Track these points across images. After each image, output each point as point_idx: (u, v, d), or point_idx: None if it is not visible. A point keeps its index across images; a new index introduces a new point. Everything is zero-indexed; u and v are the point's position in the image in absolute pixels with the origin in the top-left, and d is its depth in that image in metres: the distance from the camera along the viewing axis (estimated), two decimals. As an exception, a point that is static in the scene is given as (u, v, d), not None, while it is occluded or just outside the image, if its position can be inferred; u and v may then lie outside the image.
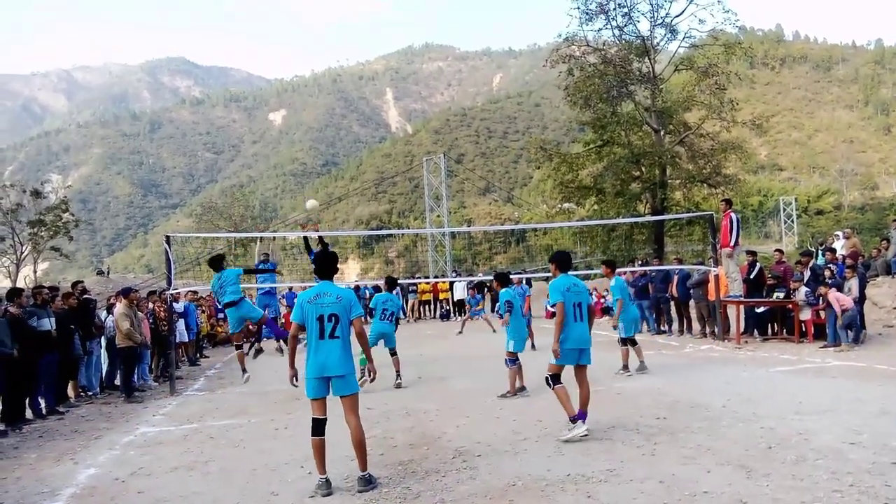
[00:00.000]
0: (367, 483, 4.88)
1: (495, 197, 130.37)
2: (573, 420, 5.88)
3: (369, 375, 5.44)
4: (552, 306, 6.20)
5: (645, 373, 9.44)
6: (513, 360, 8.22)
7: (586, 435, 5.77)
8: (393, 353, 9.62)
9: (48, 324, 8.94)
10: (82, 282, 12.10)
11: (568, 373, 6.09)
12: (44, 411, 8.93)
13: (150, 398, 10.16)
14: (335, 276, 5.46)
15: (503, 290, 8.67)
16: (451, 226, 59.13)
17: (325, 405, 5.00)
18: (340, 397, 5.01)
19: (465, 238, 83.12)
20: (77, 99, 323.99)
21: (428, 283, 25.09)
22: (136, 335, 10.41)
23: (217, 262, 9.96)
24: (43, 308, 9.09)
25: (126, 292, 10.89)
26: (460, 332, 17.74)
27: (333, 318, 5.00)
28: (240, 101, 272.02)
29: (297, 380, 5.20)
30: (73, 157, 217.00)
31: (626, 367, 9.58)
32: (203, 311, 17.37)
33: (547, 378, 6.09)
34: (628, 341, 9.67)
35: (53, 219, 43.09)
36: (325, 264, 5.33)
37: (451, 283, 24.60)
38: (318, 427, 4.94)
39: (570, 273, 6.31)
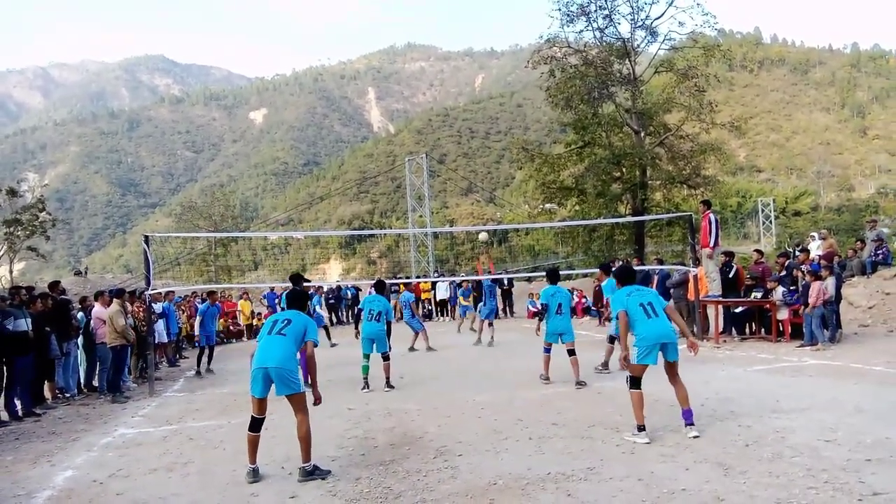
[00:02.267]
0: (308, 474, 5.09)
1: (477, 197, 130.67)
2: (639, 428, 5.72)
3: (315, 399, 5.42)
4: (615, 317, 6.33)
5: (605, 373, 9.54)
6: (546, 348, 9.10)
7: (647, 443, 5.55)
8: (385, 357, 9.43)
9: (24, 325, 8.82)
10: (59, 282, 11.95)
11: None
12: (20, 413, 8.80)
13: (129, 399, 10.06)
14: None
15: (545, 288, 9.39)
16: (433, 226, 59.21)
17: (264, 406, 5.24)
18: (286, 397, 5.19)
19: (447, 238, 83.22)
20: (54, 97, 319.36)
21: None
22: (129, 333, 10.43)
23: (296, 280, 9.46)
24: (19, 309, 8.96)
25: (119, 293, 10.91)
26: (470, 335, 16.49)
27: (286, 322, 5.36)
28: (220, 99, 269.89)
29: None
30: (50, 155, 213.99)
31: (605, 365, 9.69)
32: (183, 312, 17.20)
33: (627, 378, 5.98)
34: (617, 339, 9.73)
35: (30, 218, 42.39)
36: (296, 300, 5.72)
37: (434, 283, 24.62)
38: (255, 424, 5.25)
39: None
